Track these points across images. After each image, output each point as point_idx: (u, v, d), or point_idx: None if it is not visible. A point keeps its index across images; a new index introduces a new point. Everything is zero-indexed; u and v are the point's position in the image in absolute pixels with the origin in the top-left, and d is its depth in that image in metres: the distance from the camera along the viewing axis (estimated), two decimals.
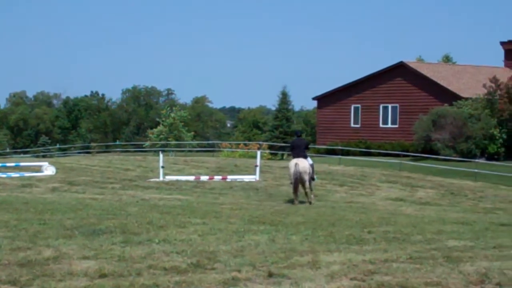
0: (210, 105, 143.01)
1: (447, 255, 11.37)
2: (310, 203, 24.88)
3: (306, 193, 25.29)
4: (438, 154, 48.54)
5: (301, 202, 24.84)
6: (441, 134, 49.46)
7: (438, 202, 29.07)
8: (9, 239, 12.29)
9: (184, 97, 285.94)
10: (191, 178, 32.55)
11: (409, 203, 28.19)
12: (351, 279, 9.47)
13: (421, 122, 51.57)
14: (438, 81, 55.70)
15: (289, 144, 28.67)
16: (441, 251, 11.83)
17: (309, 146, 28.19)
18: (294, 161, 25.09)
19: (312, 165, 25.81)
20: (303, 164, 25.06)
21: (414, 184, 34.37)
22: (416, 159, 48.18)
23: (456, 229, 16.12)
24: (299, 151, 25.87)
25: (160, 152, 36.18)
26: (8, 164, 36.22)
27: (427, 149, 50.27)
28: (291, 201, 25.25)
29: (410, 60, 62.79)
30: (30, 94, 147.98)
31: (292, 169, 24.83)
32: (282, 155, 56.77)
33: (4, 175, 32.32)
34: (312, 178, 25.66)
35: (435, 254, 11.52)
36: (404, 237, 13.92)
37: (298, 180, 24.78)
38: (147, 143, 67.16)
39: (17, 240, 12.14)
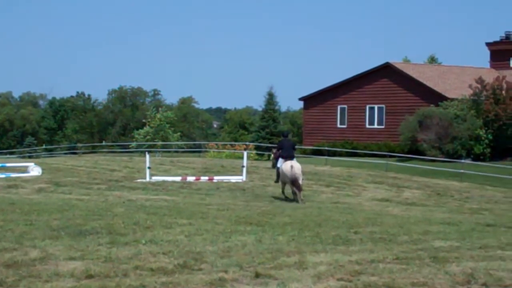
0: (197, 105, 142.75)
1: (433, 255, 11.40)
2: (302, 201, 25.44)
3: (296, 193, 25.91)
4: (424, 155, 48.66)
5: (291, 201, 25.78)
6: (427, 134, 49.60)
7: (424, 202, 29.12)
8: None
9: (171, 97, 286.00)
10: (178, 178, 32.51)
11: (395, 203, 28.24)
12: (337, 279, 9.49)
13: (407, 122, 51.70)
14: (424, 82, 55.83)
15: (276, 145, 29.78)
16: (428, 252, 11.86)
17: (295, 147, 28.83)
18: (289, 163, 25.90)
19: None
20: (298, 166, 26.01)
21: (400, 184, 34.44)
22: (402, 159, 48.29)
23: (442, 229, 16.16)
24: (289, 152, 26.92)
25: (146, 153, 36.12)
26: None
27: (413, 150, 50.40)
28: (283, 199, 26.50)
29: (396, 60, 62.95)
30: (16, 94, 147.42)
31: (288, 172, 25.65)
32: (269, 155, 56.77)
33: None
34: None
35: (422, 254, 11.55)
36: (391, 238, 13.95)
37: (294, 181, 25.65)
38: (134, 143, 67.03)
39: (3, 241, 12.10)
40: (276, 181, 28.28)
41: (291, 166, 25.71)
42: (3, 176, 32.48)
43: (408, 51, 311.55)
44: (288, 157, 26.63)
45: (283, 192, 27.32)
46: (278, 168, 27.51)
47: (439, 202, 29.63)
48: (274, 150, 29.64)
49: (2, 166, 35.50)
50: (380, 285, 9.18)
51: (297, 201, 25.47)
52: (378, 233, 14.64)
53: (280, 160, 27.24)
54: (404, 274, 9.81)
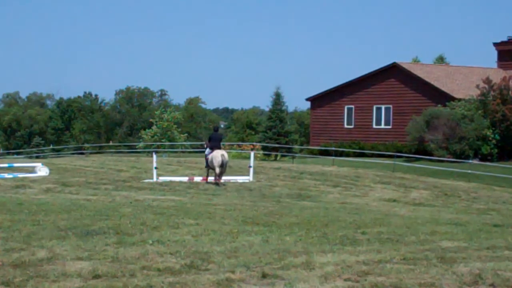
0: (204, 106, 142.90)
1: (440, 256, 11.38)
2: (223, 184, 30.33)
3: (220, 176, 30.71)
4: (432, 155, 48.55)
5: (216, 184, 30.34)
6: (434, 135, 49.49)
7: (431, 203, 29.10)
8: (3, 240, 12.28)
9: (178, 98, 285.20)
10: (185, 179, 32.54)
11: (402, 204, 28.21)
12: (345, 280, 9.48)
13: (414, 123, 51.58)
14: (432, 82, 55.69)
15: (207, 137, 34.23)
16: (435, 252, 11.84)
17: (222, 139, 34.72)
18: (220, 152, 30.95)
19: None
20: (226, 155, 31.37)
21: (408, 185, 34.39)
22: (409, 160, 48.21)
23: (450, 230, 16.14)
24: (218, 144, 32.06)
25: (153, 153, 36.18)
26: (1, 165, 36.17)
27: (421, 150, 50.29)
28: (213, 183, 30.60)
29: (405, 61, 62.81)
30: (23, 95, 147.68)
31: (219, 158, 30.47)
32: (276, 156, 56.75)
33: None
34: None
35: (429, 255, 11.52)
36: (398, 238, 13.93)
37: (221, 166, 30.57)
38: (141, 144, 67.08)
39: (11, 241, 12.13)
40: (206, 166, 32.18)
41: (221, 155, 30.68)
42: (10, 176, 32.54)
43: (416, 52, 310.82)
44: (215, 147, 31.37)
45: (207, 174, 32.04)
46: (206, 156, 31.92)
47: (447, 202, 29.60)
48: (206, 141, 33.97)
49: (9, 166, 35.59)
50: (387, 286, 9.16)
51: (217, 185, 30.10)
52: (385, 234, 14.63)
53: (208, 150, 31.86)
54: (412, 275, 9.79)
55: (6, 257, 10.63)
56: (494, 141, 50.57)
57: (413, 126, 51.44)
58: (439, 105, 52.62)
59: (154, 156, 34.22)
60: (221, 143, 33.24)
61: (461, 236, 14.74)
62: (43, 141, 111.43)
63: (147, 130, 69.20)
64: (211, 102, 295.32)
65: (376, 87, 58.81)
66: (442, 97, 53.52)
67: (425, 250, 12.17)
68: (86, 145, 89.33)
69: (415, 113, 52.46)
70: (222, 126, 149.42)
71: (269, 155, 57.21)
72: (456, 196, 31.45)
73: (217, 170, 30.56)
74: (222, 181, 30.84)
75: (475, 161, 46.32)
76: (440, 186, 34.48)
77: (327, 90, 62.48)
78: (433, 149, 49.28)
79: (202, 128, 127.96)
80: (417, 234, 14.73)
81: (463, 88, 55.27)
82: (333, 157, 48.66)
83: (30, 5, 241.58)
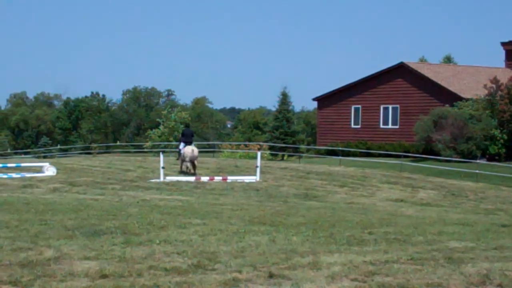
0: (210, 106, 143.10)
1: (448, 256, 11.36)
2: (198, 174, 33.73)
3: (192, 169, 34.67)
4: (439, 155, 48.48)
5: (186, 174, 34.37)
6: (441, 134, 49.40)
7: (439, 203, 29.06)
8: (10, 239, 12.30)
9: (184, 98, 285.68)
10: (192, 178, 32.55)
11: (410, 204, 28.18)
12: (351, 280, 9.47)
13: (421, 122, 51.50)
14: (439, 82, 55.63)
15: (181, 133, 39.26)
16: (442, 252, 11.83)
17: (194, 135, 37.97)
18: (190, 147, 34.64)
19: None
20: (196, 150, 35.04)
21: (415, 185, 34.35)
22: (416, 160, 48.16)
23: (457, 230, 16.11)
24: (190, 139, 35.67)
25: (160, 153, 36.23)
26: (9, 165, 36.22)
27: (428, 150, 50.23)
28: (185, 173, 34.47)
29: (412, 60, 62.74)
30: (31, 95, 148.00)
31: (190, 154, 34.38)
32: (283, 156, 56.74)
33: (5, 176, 32.34)
34: None
35: (436, 255, 11.51)
36: (405, 238, 13.92)
37: (192, 160, 34.58)
38: (148, 143, 67.14)
39: (18, 241, 12.15)
40: (177, 159, 38.02)
41: (192, 150, 34.48)
42: (18, 176, 32.61)
43: (423, 51, 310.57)
44: (188, 142, 35.14)
45: (181, 168, 35.65)
46: (180, 150, 36.17)
47: (454, 202, 29.55)
48: (180, 136, 38.35)
49: (17, 166, 35.63)
50: (395, 286, 9.15)
51: (194, 174, 33.89)
52: (393, 234, 14.61)
53: (182, 144, 35.60)
54: (419, 275, 9.78)
55: (13, 256, 10.65)
56: (502, 141, 50.47)
57: (421, 126, 51.36)
58: (447, 105, 52.56)
59: (161, 156, 34.26)
60: (193, 137, 36.63)
61: (469, 236, 14.72)
62: (50, 141, 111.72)
63: (154, 130, 69.26)
64: (217, 102, 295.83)
65: (383, 87, 58.77)
66: (449, 97, 53.45)
67: (433, 250, 12.15)
68: (93, 145, 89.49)
69: (423, 113, 52.38)
70: (228, 126, 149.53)
71: (276, 155, 57.22)
72: (464, 196, 31.40)
73: (189, 164, 34.63)
74: (196, 172, 34.71)
75: (483, 161, 46.25)
76: (448, 186, 34.43)
77: (334, 90, 62.46)
78: (441, 149, 49.20)
79: (209, 128, 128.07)
80: (424, 234, 14.71)
81: (470, 88, 55.19)
82: (340, 157, 48.63)
83: (37, 4, 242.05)
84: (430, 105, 53.69)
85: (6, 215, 16.16)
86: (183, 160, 35.10)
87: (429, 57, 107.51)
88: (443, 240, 13.79)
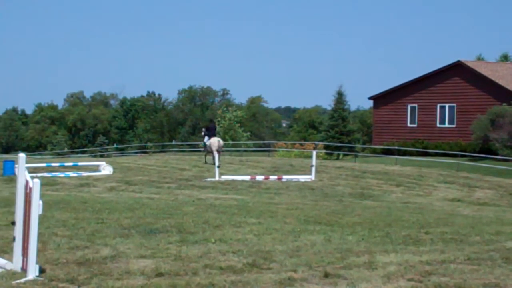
0: (266, 105, 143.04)
1: (505, 256, 11.22)
2: (218, 165, 33.17)
3: (215, 158, 34.67)
4: (497, 154, 47.91)
5: (212, 164, 36.11)
6: (499, 134, 48.80)
7: (496, 202, 28.72)
8: (67, 238, 12.45)
9: (240, 97, 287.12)
10: (247, 178, 32.58)
11: (466, 203, 27.90)
12: (408, 280, 9.40)
13: (479, 121, 50.95)
14: (496, 80, 54.95)
15: (204, 129, 41.11)
16: (500, 252, 11.68)
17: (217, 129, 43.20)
18: (216, 139, 37.99)
19: None
20: (222, 141, 38.52)
21: (472, 184, 33.99)
22: (474, 159, 47.66)
23: None
24: (214, 132, 39.71)
25: (215, 152, 36.37)
26: (66, 164, 36.63)
27: (485, 149, 49.66)
28: (210, 164, 37.17)
29: (469, 59, 62.10)
30: (87, 94, 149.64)
31: (216, 143, 37.35)
32: (338, 155, 56.57)
33: (62, 175, 32.74)
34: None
35: (494, 255, 11.37)
36: (462, 238, 13.78)
37: (218, 150, 36.87)
38: (202, 143, 67.42)
39: (75, 239, 12.29)
40: (204, 150, 40.74)
41: (218, 141, 37.72)
42: (75, 175, 32.98)
43: (480, 50, 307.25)
44: (212, 135, 38.76)
45: (205, 159, 39.50)
46: (204, 143, 39.36)
47: None
48: (204, 129, 40.99)
49: (74, 165, 36.03)
50: (451, 286, 9.06)
51: (215, 164, 33.66)
52: (449, 234, 14.47)
53: (206, 138, 39.01)
54: (476, 275, 9.67)
55: (70, 254, 10.77)
56: None
57: (478, 125, 50.80)
58: (504, 104, 51.86)
59: (216, 155, 34.35)
60: (215, 131, 40.20)
61: None
62: (107, 140, 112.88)
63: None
64: (273, 101, 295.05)
65: (440, 86, 58.24)
66: (507, 96, 52.75)
67: (490, 250, 12.01)
68: (149, 144, 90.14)
69: (480, 112, 51.81)
70: (284, 125, 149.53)
71: (331, 154, 57.09)
72: None
73: (215, 153, 36.32)
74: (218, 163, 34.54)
75: None
76: (505, 186, 34.00)
77: (390, 89, 62.09)
78: (498, 148, 48.60)
79: (265, 127, 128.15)
80: (481, 234, 14.54)
81: None
82: (396, 156, 48.34)
83: (96, 5, 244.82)
84: (487, 104, 53.06)
85: (63, 214, 16.36)
86: (209, 151, 38.16)
87: (486, 55, 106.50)
88: (501, 240, 13.62)
